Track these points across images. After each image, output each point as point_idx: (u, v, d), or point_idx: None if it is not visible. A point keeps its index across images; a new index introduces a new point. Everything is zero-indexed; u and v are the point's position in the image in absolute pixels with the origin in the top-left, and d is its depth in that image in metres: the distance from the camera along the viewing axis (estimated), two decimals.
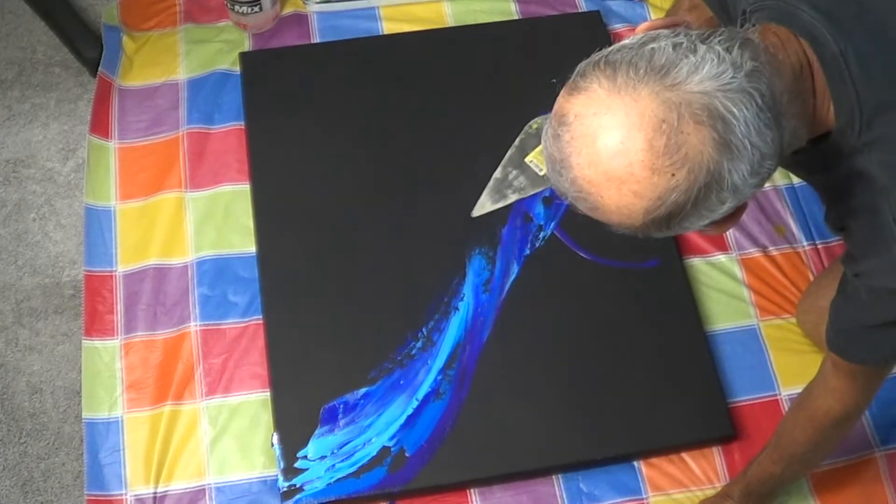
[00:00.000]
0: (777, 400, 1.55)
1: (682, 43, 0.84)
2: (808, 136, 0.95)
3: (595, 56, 0.87)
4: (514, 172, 1.61)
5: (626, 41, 0.87)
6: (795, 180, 1.72)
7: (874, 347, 1.08)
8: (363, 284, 1.59)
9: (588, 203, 0.87)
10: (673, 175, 0.82)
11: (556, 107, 0.88)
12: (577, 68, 0.87)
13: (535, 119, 1.67)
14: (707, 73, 0.82)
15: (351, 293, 1.58)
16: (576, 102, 0.86)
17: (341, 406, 1.50)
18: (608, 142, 0.83)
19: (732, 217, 0.91)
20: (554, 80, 0.94)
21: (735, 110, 0.82)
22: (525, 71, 1.75)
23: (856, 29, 0.94)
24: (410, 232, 1.63)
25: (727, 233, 1.67)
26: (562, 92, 0.88)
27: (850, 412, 1.18)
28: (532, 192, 1.61)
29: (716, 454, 1.52)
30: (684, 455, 1.52)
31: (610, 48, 0.87)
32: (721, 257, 1.66)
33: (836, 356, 1.12)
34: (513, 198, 1.59)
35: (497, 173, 1.64)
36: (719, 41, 0.84)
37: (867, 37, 0.94)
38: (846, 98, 0.93)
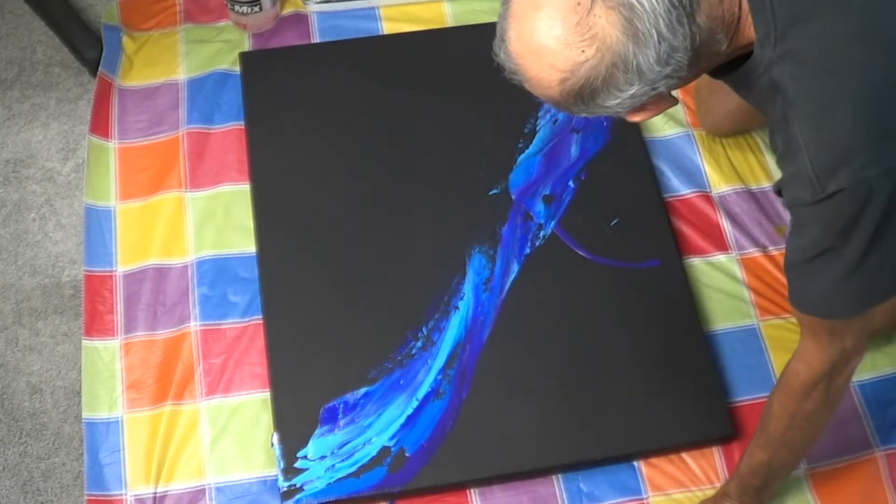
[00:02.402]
0: None
1: None
2: (731, 45, 1.01)
3: None
4: None
5: None
6: None
7: (819, 291, 1.09)
8: (363, 284, 1.59)
9: (520, 75, 0.98)
10: (583, 51, 0.93)
11: None
12: None
13: None
14: None
15: (351, 293, 1.58)
16: None
17: (341, 406, 1.50)
18: (533, 19, 0.94)
19: (653, 105, 1.01)
20: None
21: (644, 1, 0.92)
22: (535, 100, 1.75)
23: None
24: (410, 231, 1.63)
25: (727, 232, 1.67)
26: None
27: (816, 374, 1.18)
28: None
29: (716, 454, 1.52)
30: (684, 455, 1.52)
31: None
32: (721, 257, 1.66)
33: (795, 311, 1.15)
34: None
35: None
36: None
37: None
38: (763, 11, 0.99)
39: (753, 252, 1.67)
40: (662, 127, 1.77)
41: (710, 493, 1.47)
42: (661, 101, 1.01)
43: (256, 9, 1.81)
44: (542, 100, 1.00)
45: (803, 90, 0.99)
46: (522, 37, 0.96)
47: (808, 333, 1.17)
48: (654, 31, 0.92)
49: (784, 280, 1.63)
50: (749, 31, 1.01)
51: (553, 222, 1.64)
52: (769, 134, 1.10)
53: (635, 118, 1.03)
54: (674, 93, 1.01)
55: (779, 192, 1.07)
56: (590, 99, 0.97)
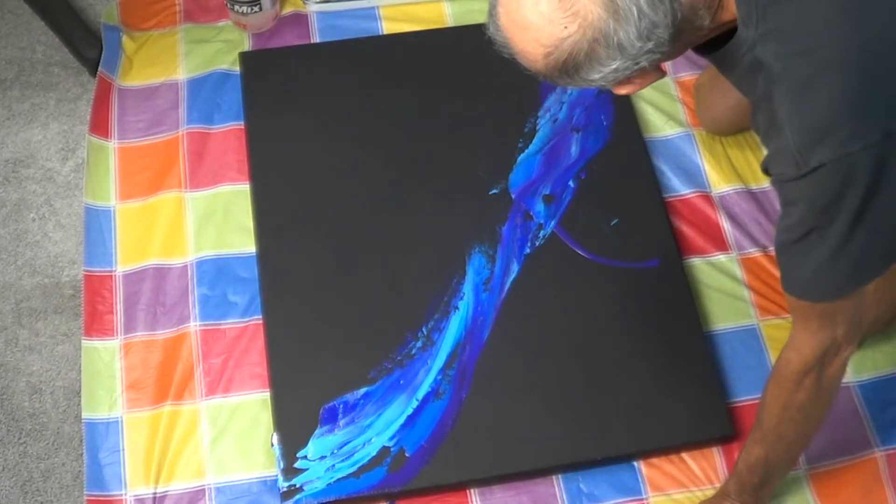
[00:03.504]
0: None
1: None
2: (713, 21, 1.03)
3: None
4: None
5: None
6: None
7: (808, 273, 1.09)
8: (363, 284, 1.59)
9: (508, 47, 1.03)
10: (566, 27, 0.96)
11: None
12: None
13: None
14: None
15: (351, 293, 1.58)
16: None
17: (341, 406, 1.50)
18: None
19: (639, 79, 1.03)
20: None
21: None
22: (524, 71, 1.75)
23: None
24: (410, 231, 1.63)
25: (727, 232, 1.67)
26: None
27: (808, 362, 1.18)
28: None
29: (716, 454, 1.52)
30: (684, 455, 1.51)
31: None
32: (721, 257, 1.66)
33: (787, 295, 1.15)
34: None
35: None
36: None
37: None
38: None
39: (753, 252, 1.67)
40: (662, 127, 1.77)
41: (710, 493, 1.46)
42: (647, 75, 1.03)
43: (256, 9, 1.81)
44: (533, 73, 1.04)
45: (786, 67, 1.00)
46: (510, 11, 0.99)
47: (798, 320, 1.18)
48: (634, 7, 0.95)
49: None
50: (732, 7, 1.02)
51: (553, 222, 1.64)
52: (751, 116, 1.11)
53: (622, 91, 1.05)
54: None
55: (766, 171, 1.08)
56: (574, 72, 1.00)
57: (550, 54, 0.98)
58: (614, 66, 0.99)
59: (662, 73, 1.05)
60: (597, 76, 1.00)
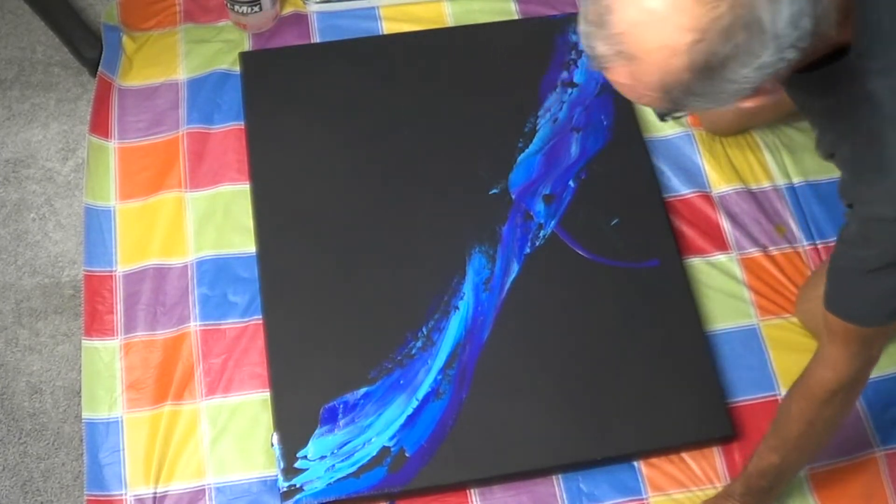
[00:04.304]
0: (777, 400, 1.55)
1: None
2: (831, 39, 0.96)
3: None
4: None
5: None
6: (795, 180, 1.72)
7: (867, 300, 1.08)
8: (363, 284, 1.59)
9: (626, 54, 0.87)
10: (716, 6, 0.83)
11: None
12: None
13: None
14: None
15: (351, 293, 1.58)
16: None
17: (341, 406, 1.50)
18: None
19: (762, 91, 0.92)
20: None
21: None
22: (524, 71, 1.76)
23: None
24: (410, 231, 1.63)
25: (727, 232, 1.67)
26: None
27: (842, 381, 1.18)
28: None
29: (716, 454, 1.52)
30: (684, 455, 1.52)
31: None
32: (721, 257, 1.66)
33: (831, 316, 1.14)
34: None
35: None
36: None
37: None
38: (870, 20, 0.95)
39: (753, 252, 1.67)
40: (662, 127, 1.77)
41: (710, 493, 1.47)
42: (767, 88, 0.92)
43: (256, 9, 1.81)
44: (642, 96, 0.92)
45: None
46: (640, 1, 0.85)
47: (838, 341, 1.16)
48: None
49: (784, 280, 1.64)
50: (843, 34, 0.96)
51: (553, 222, 1.64)
52: (820, 137, 1.08)
53: (747, 103, 0.94)
54: None
55: (847, 203, 1.05)
56: (720, 67, 0.87)
57: (698, 42, 0.84)
58: (762, 61, 0.86)
59: (777, 90, 0.95)
60: (744, 71, 0.87)
